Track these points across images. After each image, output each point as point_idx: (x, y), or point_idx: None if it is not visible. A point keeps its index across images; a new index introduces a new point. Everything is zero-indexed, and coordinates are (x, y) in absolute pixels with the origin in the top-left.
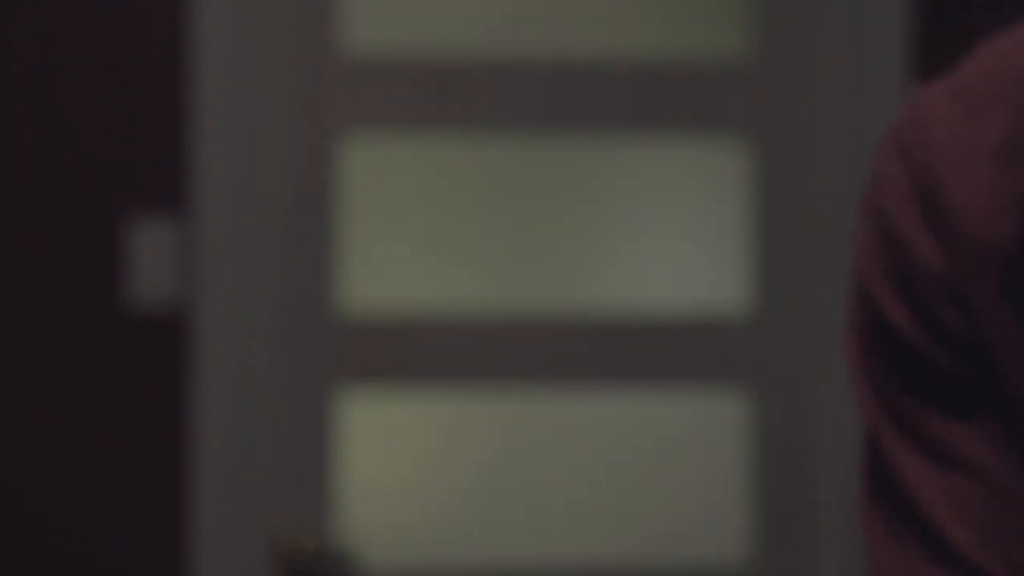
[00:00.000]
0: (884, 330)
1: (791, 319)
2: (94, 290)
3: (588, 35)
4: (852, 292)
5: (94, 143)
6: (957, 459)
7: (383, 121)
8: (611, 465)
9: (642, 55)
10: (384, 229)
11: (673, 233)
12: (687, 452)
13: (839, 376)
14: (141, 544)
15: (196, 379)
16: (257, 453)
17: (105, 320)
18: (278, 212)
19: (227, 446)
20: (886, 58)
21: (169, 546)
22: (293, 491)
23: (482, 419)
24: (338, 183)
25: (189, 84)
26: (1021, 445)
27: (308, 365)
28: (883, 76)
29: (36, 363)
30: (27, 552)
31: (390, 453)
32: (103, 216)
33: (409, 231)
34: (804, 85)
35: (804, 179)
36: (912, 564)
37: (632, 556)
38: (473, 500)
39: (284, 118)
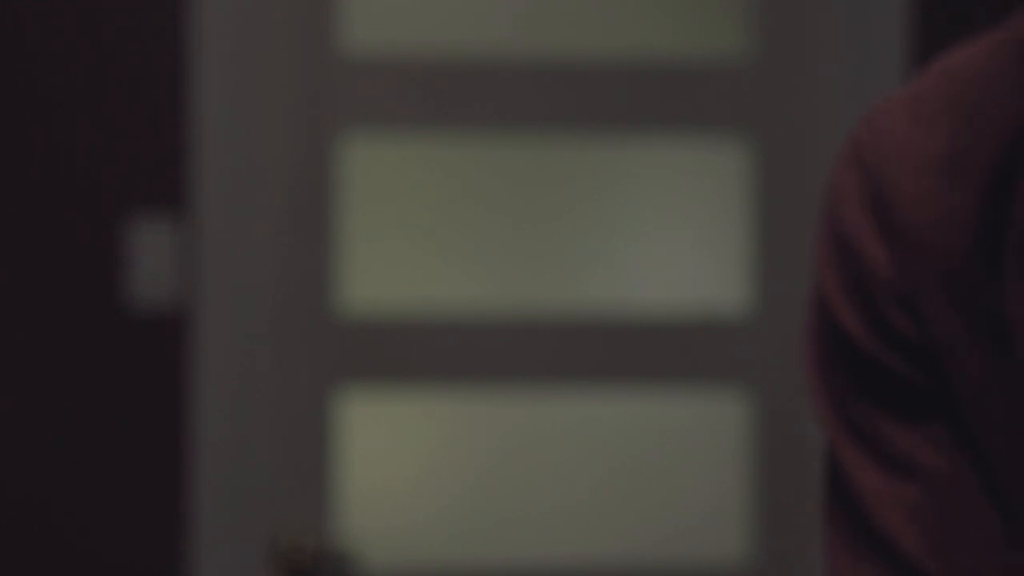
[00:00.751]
0: (839, 338)
1: (791, 319)
2: (94, 290)
3: (588, 35)
4: (810, 301)
5: (94, 143)
6: (910, 467)
7: (383, 121)
8: (611, 465)
9: (642, 55)
10: (384, 229)
11: (673, 233)
12: (687, 452)
13: None
14: (141, 544)
15: (196, 379)
16: (257, 453)
17: (105, 320)
18: (278, 212)
19: (227, 446)
20: (886, 58)
21: (169, 546)
22: (293, 491)
23: (482, 419)
24: (338, 183)
25: (189, 84)
26: (972, 452)
27: (308, 365)
28: (883, 76)
29: (36, 363)
30: (27, 552)
31: (390, 453)
32: (103, 216)
33: (409, 231)
34: (804, 85)
35: (804, 179)
36: (865, 571)
37: (632, 556)
38: (472, 500)
39: (284, 118)
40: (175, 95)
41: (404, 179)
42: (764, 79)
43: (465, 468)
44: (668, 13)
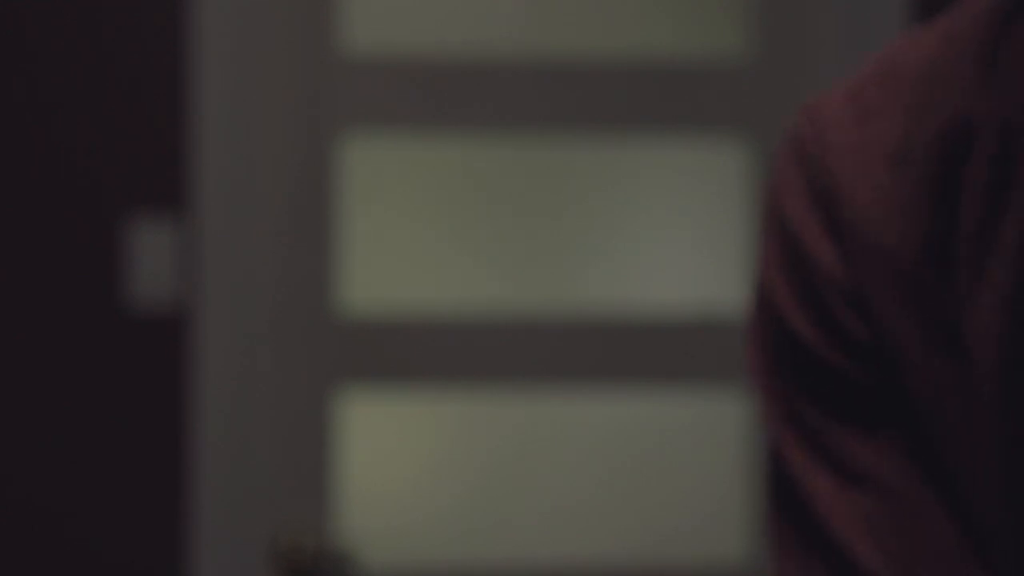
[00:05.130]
0: (786, 338)
1: None
2: (94, 290)
3: (588, 35)
4: (753, 300)
5: (94, 143)
6: (862, 474)
7: (383, 121)
8: (611, 465)
9: (642, 55)
10: (384, 229)
11: (673, 233)
12: (687, 452)
13: None
14: (141, 544)
15: (196, 379)
16: (257, 453)
17: (105, 320)
18: (278, 212)
19: (227, 446)
20: None
21: (169, 546)
22: (293, 491)
23: (482, 419)
24: (338, 183)
25: (189, 84)
26: (925, 458)
27: (308, 365)
28: None
29: (36, 363)
30: (27, 552)
31: (390, 453)
32: (103, 216)
33: (409, 231)
34: (804, 85)
35: None
36: None
37: (632, 556)
38: (472, 500)
39: (284, 118)
40: (175, 95)
41: (404, 179)
42: (764, 79)
43: (465, 468)
44: (668, 13)
